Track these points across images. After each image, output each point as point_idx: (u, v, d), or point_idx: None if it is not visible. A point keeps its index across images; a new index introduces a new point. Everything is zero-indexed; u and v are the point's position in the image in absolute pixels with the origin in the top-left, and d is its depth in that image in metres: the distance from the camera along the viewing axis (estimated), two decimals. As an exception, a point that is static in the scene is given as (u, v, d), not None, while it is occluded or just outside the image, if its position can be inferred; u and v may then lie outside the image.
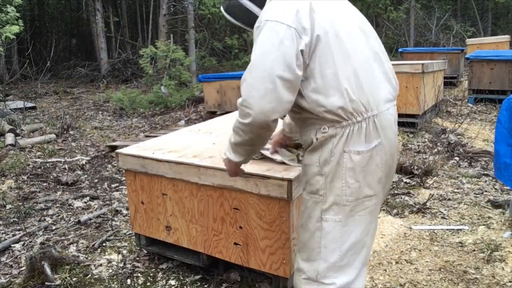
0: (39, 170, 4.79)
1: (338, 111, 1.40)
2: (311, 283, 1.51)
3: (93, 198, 3.95)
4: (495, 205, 3.32)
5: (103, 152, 5.50)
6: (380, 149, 1.46)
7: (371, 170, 1.45)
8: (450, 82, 9.58)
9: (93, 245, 2.96)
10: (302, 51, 1.36)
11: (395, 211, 3.32)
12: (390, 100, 1.52)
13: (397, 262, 2.60)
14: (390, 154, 1.51)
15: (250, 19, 1.57)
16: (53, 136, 6.36)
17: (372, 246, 1.63)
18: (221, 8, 1.70)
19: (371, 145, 1.43)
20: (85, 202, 3.86)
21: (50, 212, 3.64)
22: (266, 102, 1.36)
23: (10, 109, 8.14)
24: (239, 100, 1.42)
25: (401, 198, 3.59)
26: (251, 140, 1.49)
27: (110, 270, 2.64)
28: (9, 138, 5.88)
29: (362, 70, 1.43)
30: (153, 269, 2.63)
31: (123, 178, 4.41)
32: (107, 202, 3.82)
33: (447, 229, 3.01)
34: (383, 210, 3.33)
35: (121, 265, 2.68)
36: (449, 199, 3.54)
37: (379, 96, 1.46)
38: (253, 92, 1.37)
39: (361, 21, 1.55)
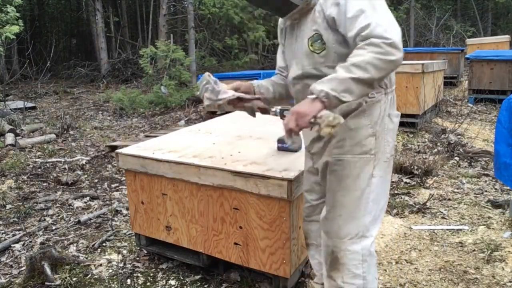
0: (39, 170, 4.79)
1: (385, 79, 1.56)
2: (357, 244, 1.61)
3: (93, 198, 3.95)
4: (495, 205, 3.32)
5: (103, 152, 5.50)
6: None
7: (395, 130, 1.68)
8: (450, 82, 9.58)
9: (93, 245, 2.96)
10: None
11: (395, 211, 3.32)
12: None
13: (397, 262, 2.60)
14: None
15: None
16: (53, 136, 6.36)
17: None
18: None
19: (396, 112, 1.67)
20: (85, 202, 3.86)
21: (50, 212, 3.64)
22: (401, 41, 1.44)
23: (10, 109, 8.14)
24: (383, 39, 1.37)
25: (401, 198, 3.59)
26: (378, 80, 1.44)
27: (110, 270, 2.64)
28: (9, 138, 5.88)
29: None
30: (153, 269, 2.63)
31: (123, 178, 4.41)
32: (107, 202, 3.82)
33: (447, 229, 3.01)
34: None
35: (121, 265, 2.68)
36: (449, 199, 3.54)
37: None
38: (395, 31, 1.40)
39: None
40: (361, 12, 1.42)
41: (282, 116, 2.25)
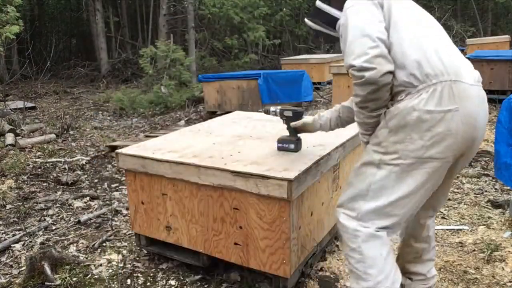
0: (39, 170, 4.79)
1: (415, 73, 1.51)
2: (350, 220, 1.67)
3: (93, 198, 3.95)
4: (495, 205, 3.32)
5: (103, 152, 5.50)
6: (456, 116, 1.49)
7: (442, 134, 1.50)
8: (450, 82, 9.56)
9: (93, 245, 2.96)
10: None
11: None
12: (474, 79, 1.59)
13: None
14: (471, 126, 1.53)
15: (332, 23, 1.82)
16: (53, 136, 6.36)
17: (419, 205, 1.70)
18: (308, 22, 1.92)
19: (445, 108, 1.49)
20: (85, 202, 3.86)
21: (50, 212, 3.64)
22: None
23: (10, 109, 8.14)
24: (351, 68, 1.55)
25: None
26: (369, 101, 1.62)
27: (110, 270, 2.64)
28: (9, 138, 5.88)
29: (438, 43, 1.60)
30: (153, 269, 2.63)
31: (123, 178, 4.41)
32: (107, 202, 3.82)
33: (447, 229, 3.01)
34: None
35: (121, 265, 2.68)
36: (449, 199, 3.54)
37: (458, 66, 1.56)
38: (363, 51, 1.55)
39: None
40: (344, 45, 1.62)
41: (282, 116, 2.26)
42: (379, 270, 1.64)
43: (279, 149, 2.32)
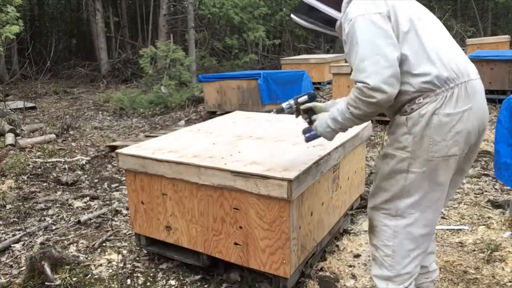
0: (39, 170, 4.79)
1: (433, 80, 1.57)
2: (392, 218, 1.77)
3: (93, 198, 3.95)
4: (495, 205, 3.32)
5: (103, 152, 5.50)
6: (471, 114, 1.60)
7: (461, 131, 1.60)
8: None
9: (93, 245, 2.96)
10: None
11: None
12: (476, 73, 1.69)
13: (397, 262, 2.59)
14: (481, 118, 1.66)
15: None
16: (53, 136, 6.36)
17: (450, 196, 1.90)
18: (296, 18, 1.90)
19: (461, 108, 1.59)
20: (85, 202, 3.86)
21: (50, 212, 3.64)
22: None
23: (10, 109, 8.14)
24: (364, 84, 1.58)
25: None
26: (362, 117, 1.74)
27: (110, 270, 2.64)
28: (9, 138, 5.88)
29: (448, 46, 1.66)
30: (153, 269, 2.63)
31: (123, 178, 4.41)
32: (107, 202, 3.82)
33: (447, 229, 3.01)
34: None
35: (121, 265, 2.68)
36: (449, 199, 3.54)
37: (466, 65, 1.65)
38: (379, 75, 1.57)
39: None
40: (350, 55, 1.66)
41: (297, 104, 2.04)
42: (403, 267, 1.79)
43: (307, 140, 2.03)
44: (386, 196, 1.78)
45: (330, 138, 1.87)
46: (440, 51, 1.61)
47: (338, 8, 1.77)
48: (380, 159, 1.79)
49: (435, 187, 1.69)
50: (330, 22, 1.81)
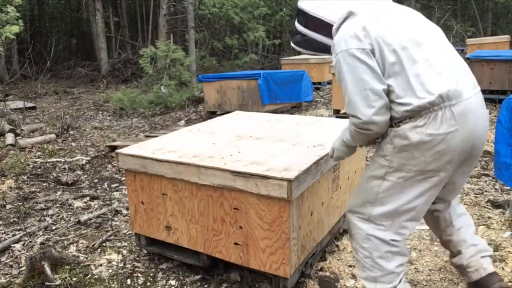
0: (39, 170, 4.79)
1: (414, 109, 1.61)
2: (364, 221, 1.85)
3: (93, 198, 3.95)
4: (495, 205, 3.32)
5: (103, 152, 5.50)
6: (457, 135, 1.61)
7: (442, 151, 1.62)
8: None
9: (93, 245, 2.96)
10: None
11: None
12: (474, 86, 1.69)
13: (397, 262, 2.59)
14: (470, 140, 1.66)
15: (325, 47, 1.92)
16: (53, 136, 6.36)
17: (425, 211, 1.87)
18: (296, 47, 2.02)
19: (445, 130, 1.60)
20: (85, 202, 3.86)
21: (50, 212, 3.64)
22: None
23: (10, 109, 8.14)
24: (356, 118, 1.69)
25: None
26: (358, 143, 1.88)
27: (110, 270, 2.64)
28: (9, 138, 5.88)
29: (437, 66, 1.63)
30: (153, 269, 2.63)
31: (123, 178, 4.41)
32: (107, 202, 3.82)
33: (447, 229, 3.00)
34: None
35: (121, 265, 2.68)
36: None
37: (458, 84, 1.62)
38: (368, 109, 1.66)
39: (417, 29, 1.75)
40: (341, 86, 1.74)
41: None
42: (384, 267, 1.84)
43: None
44: (360, 200, 1.87)
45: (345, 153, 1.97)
46: (426, 79, 1.60)
47: (329, 35, 1.84)
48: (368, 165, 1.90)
49: (410, 197, 1.74)
50: (326, 47, 1.89)
